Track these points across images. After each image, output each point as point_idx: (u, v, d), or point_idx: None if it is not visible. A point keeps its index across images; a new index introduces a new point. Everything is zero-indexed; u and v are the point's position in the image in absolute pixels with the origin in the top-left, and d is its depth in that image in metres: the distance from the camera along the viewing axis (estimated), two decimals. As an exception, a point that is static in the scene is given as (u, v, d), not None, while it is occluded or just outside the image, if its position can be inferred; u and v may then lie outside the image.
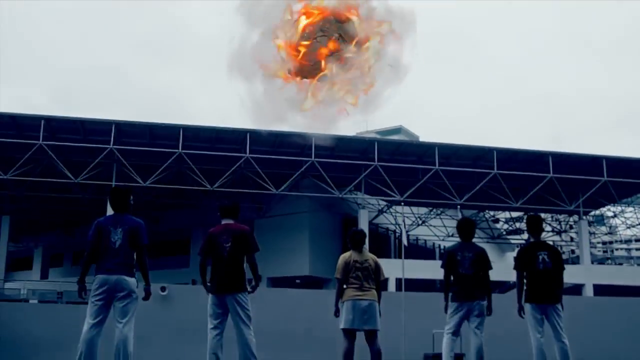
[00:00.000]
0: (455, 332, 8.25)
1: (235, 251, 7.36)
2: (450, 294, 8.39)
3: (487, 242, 44.96)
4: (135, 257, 7.12)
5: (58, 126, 31.28)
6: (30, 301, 31.70)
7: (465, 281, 8.27)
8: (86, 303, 7.03)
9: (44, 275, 47.95)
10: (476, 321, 8.21)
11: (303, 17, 8.07)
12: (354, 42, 8.10)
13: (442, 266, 8.48)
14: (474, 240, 8.74)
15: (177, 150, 31.44)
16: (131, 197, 7.34)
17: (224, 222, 7.55)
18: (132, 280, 7.00)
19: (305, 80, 8.29)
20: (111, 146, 30.92)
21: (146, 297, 7.12)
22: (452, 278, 8.42)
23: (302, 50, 8.07)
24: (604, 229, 53.31)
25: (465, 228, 8.62)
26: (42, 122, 30.45)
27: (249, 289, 7.43)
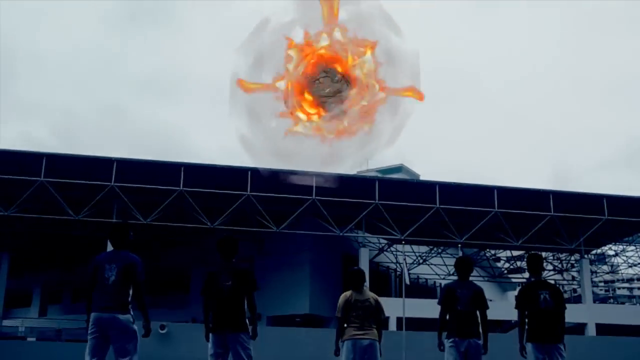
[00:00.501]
0: None
1: (235, 290, 7.33)
2: (446, 332, 8.37)
3: (488, 280, 44.76)
4: (131, 293, 7.08)
5: (60, 163, 31.37)
6: (29, 339, 31.47)
7: (463, 318, 8.24)
8: (86, 341, 7.00)
9: (43, 312, 47.65)
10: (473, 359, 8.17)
11: (304, 62, 8.16)
12: (355, 84, 8.19)
13: (439, 302, 8.48)
14: (474, 278, 8.76)
15: (178, 188, 31.51)
16: (131, 233, 7.35)
17: (223, 261, 7.53)
18: (125, 318, 6.93)
19: (307, 118, 8.36)
20: (112, 183, 30.99)
21: (146, 334, 7.08)
22: (448, 316, 8.41)
23: (306, 95, 8.16)
24: (605, 267, 53.16)
25: (463, 266, 8.64)
26: (44, 159, 30.58)
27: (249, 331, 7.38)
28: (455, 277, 8.80)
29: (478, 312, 8.31)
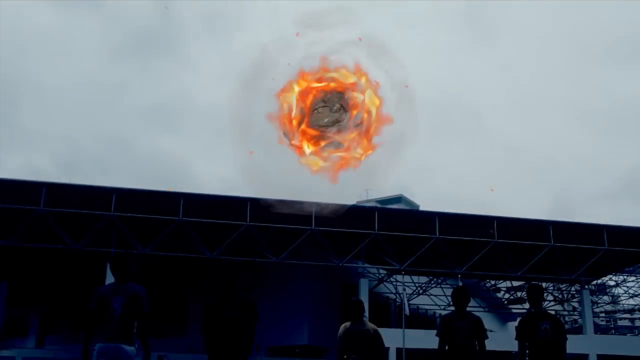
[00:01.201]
0: None
1: (240, 320, 7.30)
2: None
3: (488, 311, 44.55)
4: (135, 325, 7.07)
5: (59, 193, 31.36)
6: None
7: (462, 351, 8.16)
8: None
9: (40, 342, 47.29)
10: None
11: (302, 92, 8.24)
12: (354, 113, 8.25)
13: (437, 334, 8.40)
14: (473, 308, 8.71)
15: (177, 218, 31.48)
16: (132, 264, 7.35)
17: (225, 290, 7.49)
18: (130, 349, 6.93)
19: (308, 147, 8.41)
20: (112, 213, 30.98)
21: (145, 366, 7.05)
22: (446, 347, 8.33)
23: (305, 127, 8.22)
24: (606, 298, 52.94)
25: (460, 296, 8.57)
26: (44, 188, 30.59)
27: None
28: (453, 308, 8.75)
29: (477, 343, 8.24)
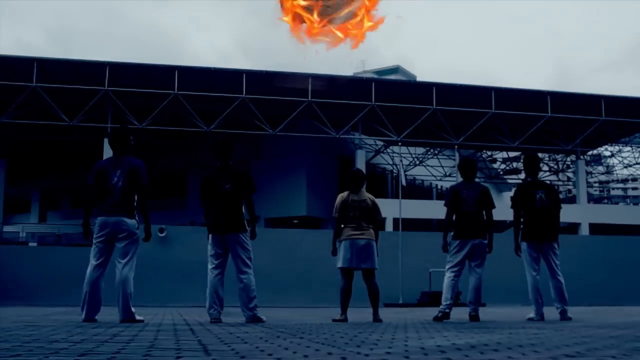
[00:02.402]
0: (459, 271, 8.24)
1: (234, 192, 7.32)
2: (451, 233, 8.36)
3: (485, 181, 45.05)
4: (136, 198, 7.11)
5: (51, 68, 30.92)
6: (30, 244, 31.87)
7: (469, 219, 8.23)
8: (85, 245, 7.07)
9: (43, 218, 48.14)
10: (477, 259, 8.23)
11: None
12: None
13: (445, 204, 8.43)
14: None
15: (172, 92, 31.20)
16: (131, 138, 7.30)
17: (219, 163, 7.47)
18: (131, 222, 7.01)
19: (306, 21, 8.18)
20: (106, 88, 30.67)
21: (147, 238, 7.14)
22: (454, 217, 8.38)
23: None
24: (601, 168, 53.43)
25: (468, 167, 8.57)
26: (35, 63, 30.12)
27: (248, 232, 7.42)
28: (453, 179, 8.78)
29: (484, 212, 8.29)
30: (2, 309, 15.01)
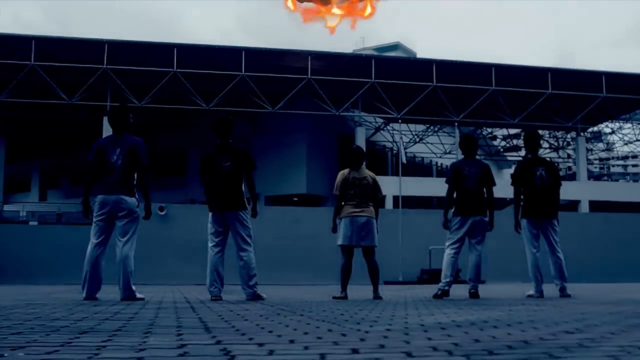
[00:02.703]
0: (459, 248, 8.22)
1: (234, 170, 7.31)
2: (452, 210, 8.35)
3: (485, 159, 45.03)
4: (135, 177, 7.11)
5: (50, 46, 30.75)
6: (31, 223, 31.94)
7: (470, 196, 8.20)
8: (86, 224, 7.07)
9: (43, 197, 48.13)
10: (478, 236, 8.22)
11: None
12: None
13: (446, 181, 8.40)
14: (471, 157, 8.66)
15: (171, 70, 31.08)
16: (130, 116, 7.28)
17: (219, 141, 7.45)
18: (131, 200, 7.01)
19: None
20: (104, 66, 30.55)
21: (147, 217, 7.15)
22: (455, 194, 8.35)
23: None
24: (601, 145, 53.39)
25: (469, 144, 8.53)
26: (33, 42, 29.97)
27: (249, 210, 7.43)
28: (454, 156, 8.77)
29: (485, 189, 8.27)
30: (3, 287, 15.07)
